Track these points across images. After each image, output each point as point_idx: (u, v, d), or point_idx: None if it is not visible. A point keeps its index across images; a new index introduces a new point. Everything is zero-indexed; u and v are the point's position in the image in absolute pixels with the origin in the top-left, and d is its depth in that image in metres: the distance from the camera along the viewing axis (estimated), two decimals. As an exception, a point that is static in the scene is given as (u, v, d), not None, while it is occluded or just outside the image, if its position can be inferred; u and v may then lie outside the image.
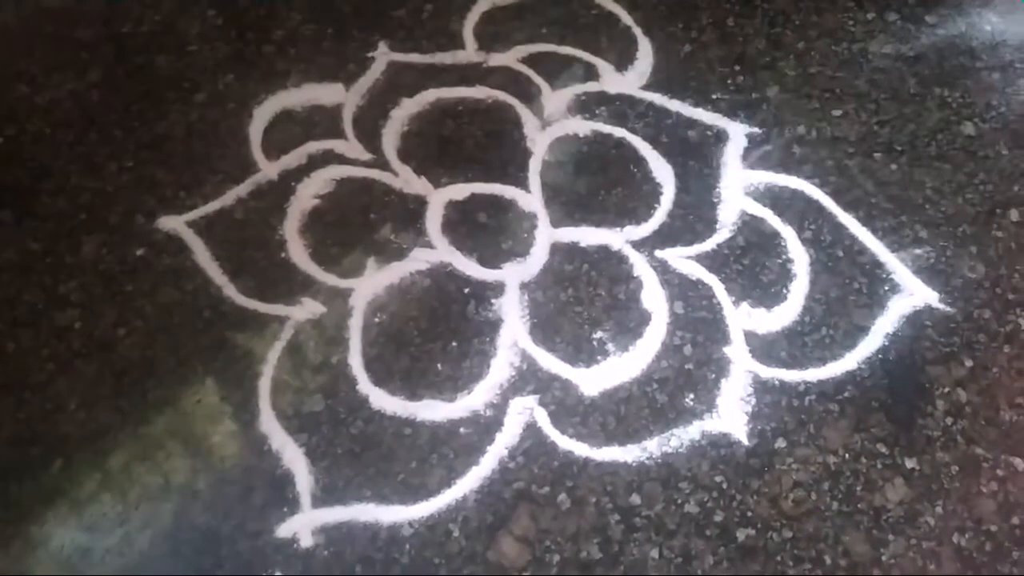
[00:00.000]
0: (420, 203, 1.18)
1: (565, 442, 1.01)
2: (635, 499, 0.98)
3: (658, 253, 1.14)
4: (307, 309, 1.09)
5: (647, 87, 1.30)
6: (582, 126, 1.25)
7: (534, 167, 1.21)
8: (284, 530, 0.95)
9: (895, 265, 1.14)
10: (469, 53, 1.31)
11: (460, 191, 1.19)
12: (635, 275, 1.13)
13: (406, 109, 1.26)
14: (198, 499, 0.96)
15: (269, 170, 1.19)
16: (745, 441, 1.02)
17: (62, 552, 0.93)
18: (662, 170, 1.21)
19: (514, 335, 1.08)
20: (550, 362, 1.06)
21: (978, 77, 1.33)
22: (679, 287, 1.12)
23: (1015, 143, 1.25)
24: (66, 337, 1.05)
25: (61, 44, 1.27)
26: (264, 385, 1.04)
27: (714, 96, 1.28)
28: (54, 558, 0.93)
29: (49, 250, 1.11)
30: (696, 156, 1.23)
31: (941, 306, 1.11)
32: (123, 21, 1.30)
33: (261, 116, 1.23)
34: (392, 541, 0.95)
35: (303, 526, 0.95)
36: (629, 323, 1.09)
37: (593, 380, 1.06)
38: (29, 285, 1.08)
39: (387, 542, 0.94)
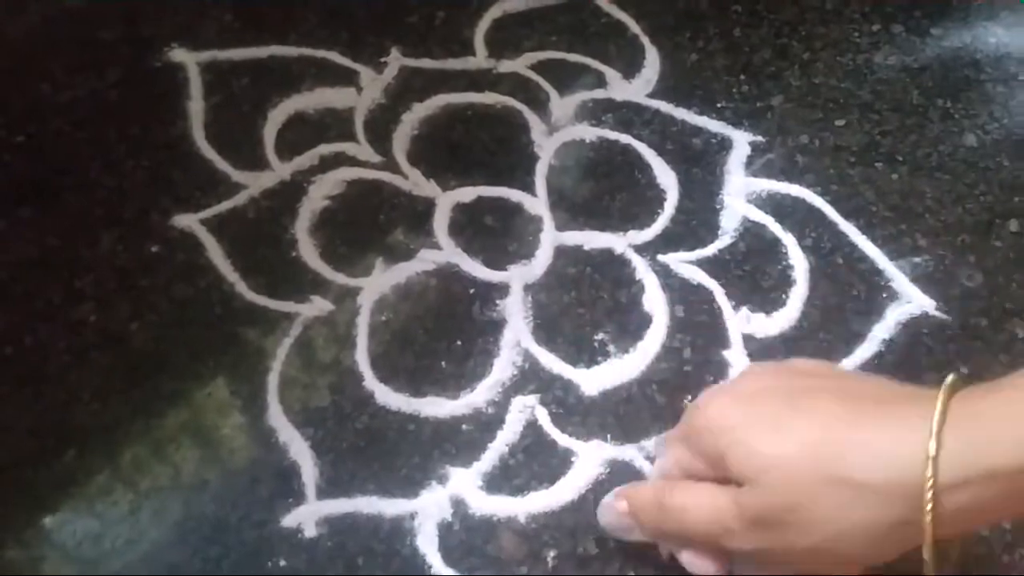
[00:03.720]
0: (428, 205, 1.20)
1: (565, 440, 1.03)
2: (632, 497, 1.00)
3: (660, 257, 1.16)
4: (316, 307, 1.11)
5: (653, 95, 1.31)
6: (589, 132, 1.27)
7: (541, 171, 1.23)
8: (289, 520, 0.96)
9: (894, 273, 1.15)
10: (479, 59, 1.34)
11: (468, 194, 1.21)
12: (637, 279, 1.15)
13: (417, 113, 1.28)
14: (207, 489, 0.99)
15: (282, 171, 1.21)
16: (741, 443, 1.04)
17: (74, 538, 0.95)
18: (666, 176, 1.23)
19: (517, 335, 1.10)
20: (552, 362, 1.08)
21: (982, 89, 1.34)
22: (680, 291, 1.14)
23: (1016, 155, 1.26)
24: (82, 330, 1.07)
25: (82, 45, 1.30)
26: (273, 380, 1.05)
27: (719, 104, 1.30)
28: (66, 544, 0.95)
29: (67, 245, 1.13)
30: (700, 163, 1.25)
31: (938, 314, 1.13)
32: (143, 23, 1.34)
33: (275, 119, 1.25)
34: (394, 533, 0.96)
35: (308, 517, 0.97)
36: (630, 325, 1.11)
37: (594, 380, 1.07)
38: (47, 279, 1.10)
39: (389, 534, 0.96)
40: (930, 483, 0.56)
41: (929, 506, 0.57)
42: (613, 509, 0.85)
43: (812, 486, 0.60)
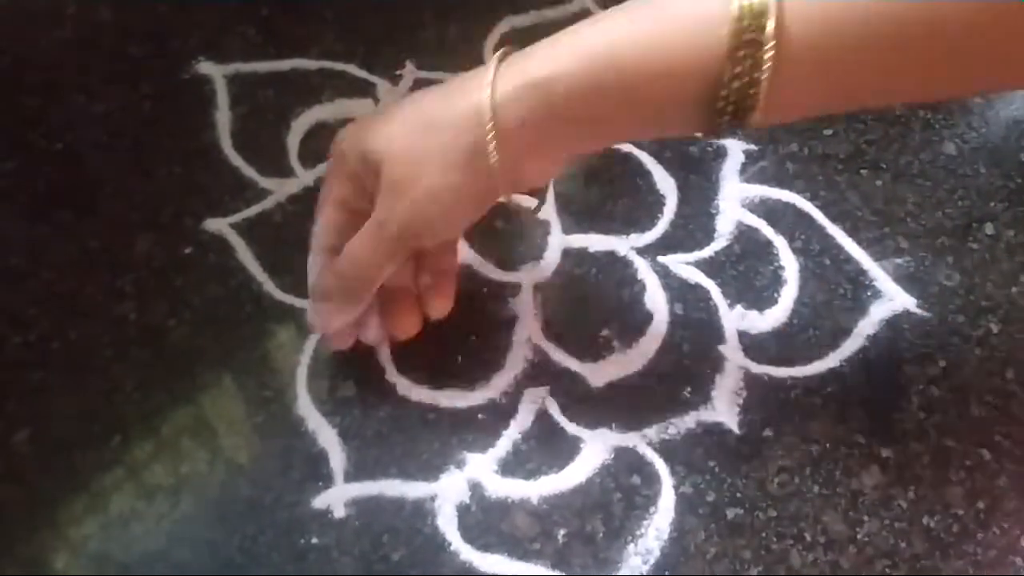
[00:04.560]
0: (443, 210, 1.28)
1: (573, 428, 1.10)
2: (635, 480, 1.07)
3: (660, 259, 1.23)
4: (340, 305, 1.19)
5: (653, 106, 1.40)
6: (592, 141, 1.35)
7: (548, 178, 1.31)
8: (319, 502, 1.03)
9: (877, 273, 1.23)
10: (489, 72, 1.42)
11: (479, 200, 1.29)
12: (639, 279, 1.22)
13: (431, 123, 1.36)
14: (242, 473, 1.06)
15: (305, 177, 1.28)
16: (736, 430, 1.10)
17: (120, 516, 1.03)
18: (665, 183, 1.30)
19: (528, 331, 1.17)
20: (560, 356, 1.15)
21: (961, 100, 1.42)
22: (679, 290, 1.21)
23: (992, 162, 1.34)
24: (122, 326, 1.14)
25: (115, 59, 1.37)
26: (301, 372, 1.12)
27: (715, 115, 1.38)
28: (111, 520, 1.02)
29: (106, 247, 1.20)
30: (697, 170, 1.32)
31: (918, 311, 1.20)
32: (170, 39, 1.41)
33: (298, 128, 1.32)
34: (416, 513, 1.04)
35: (336, 499, 1.04)
36: (633, 322, 1.18)
37: (599, 373, 1.14)
38: (89, 279, 1.17)
39: (412, 514, 1.03)
40: (488, 95, 0.71)
41: (490, 118, 0.71)
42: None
43: (409, 140, 0.76)
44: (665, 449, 1.09)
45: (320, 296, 0.93)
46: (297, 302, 1.18)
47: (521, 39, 1.41)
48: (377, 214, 0.80)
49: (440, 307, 0.96)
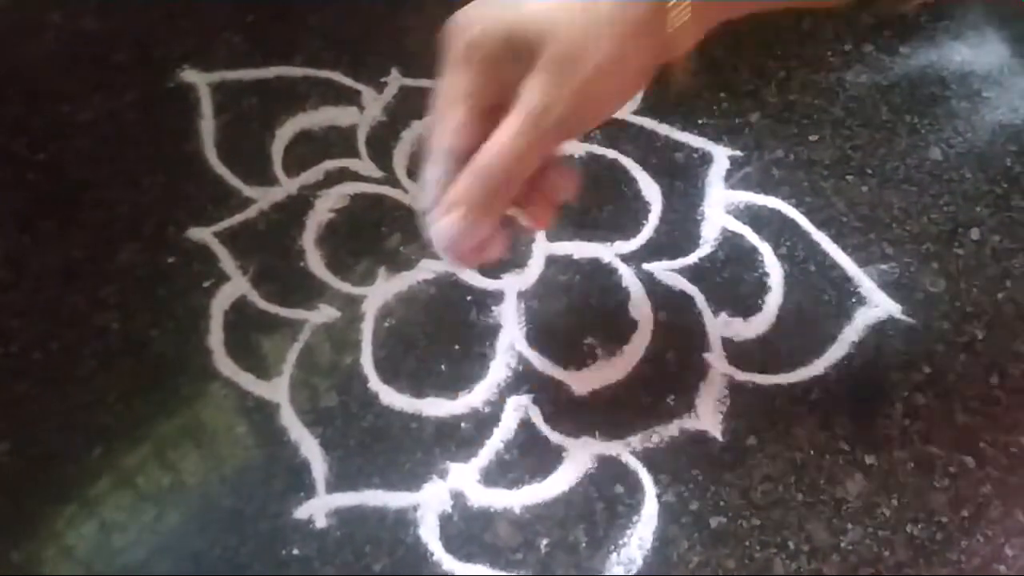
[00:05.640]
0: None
1: (556, 437, 1.10)
2: (619, 489, 1.07)
3: (645, 266, 1.23)
4: (323, 314, 1.18)
5: (638, 112, 1.37)
6: (577, 147, 1.33)
7: (533, 185, 1.31)
8: (301, 512, 1.03)
9: (862, 279, 1.22)
10: (474, 78, 1.41)
11: (464, 207, 1.29)
12: (623, 286, 1.22)
13: (416, 131, 1.35)
14: (224, 483, 1.06)
15: (289, 186, 1.28)
16: (720, 438, 1.10)
17: (101, 528, 1.03)
18: (650, 189, 1.30)
19: (512, 339, 1.17)
20: (544, 364, 1.15)
21: (947, 105, 1.42)
22: (663, 297, 1.20)
23: (979, 167, 1.34)
24: (105, 336, 1.14)
25: (98, 67, 1.37)
26: (284, 383, 1.12)
27: (700, 121, 1.37)
28: (93, 532, 1.01)
29: (89, 257, 1.20)
30: (682, 177, 1.32)
31: (903, 317, 1.20)
32: (155, 46, 1.41)
33: (282, 136, 1.32)
34: (399, 523, 1.04)
35: (318, 509, 1.04)
36: (617, 330, 1.18)
37: (583, 381, 1.14)
38: (71, 289, 1.17)
39: (394, 524, 1.03)
40: None
41: None
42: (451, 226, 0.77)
43: (571, 13, 0.65)
44: (648, 457, 1.09)
45: (459, 205, 0.74)
46: (281, 311, 1.18)
47: (506, 45, 1.42)
48: (531, 101, 0.66)
49: (571, 186, 0.87)
